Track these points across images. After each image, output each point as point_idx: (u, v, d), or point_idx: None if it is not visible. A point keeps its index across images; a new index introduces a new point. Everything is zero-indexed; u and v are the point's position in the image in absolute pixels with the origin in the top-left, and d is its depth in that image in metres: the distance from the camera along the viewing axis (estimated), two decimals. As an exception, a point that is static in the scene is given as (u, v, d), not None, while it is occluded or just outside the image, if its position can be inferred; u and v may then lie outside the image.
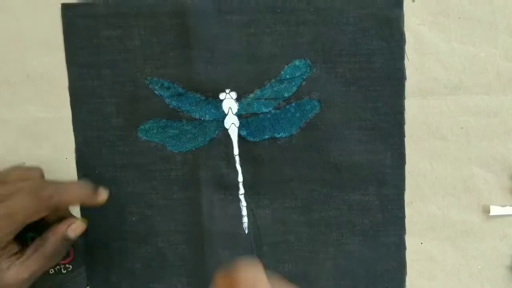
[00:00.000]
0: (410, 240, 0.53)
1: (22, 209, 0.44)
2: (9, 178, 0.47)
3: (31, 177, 0.48)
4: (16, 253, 0.46)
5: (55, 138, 0.53)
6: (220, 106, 0.52)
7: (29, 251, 0.46)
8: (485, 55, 0.51)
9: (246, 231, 0.54)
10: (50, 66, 0.52)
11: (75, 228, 0.48)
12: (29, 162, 0.53)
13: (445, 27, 0.51)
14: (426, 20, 0.51)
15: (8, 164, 0.51)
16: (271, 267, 0.53)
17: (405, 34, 0.51)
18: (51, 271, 0.54)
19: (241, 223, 0.54)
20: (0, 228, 0.44)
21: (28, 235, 0.49)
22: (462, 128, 0.52)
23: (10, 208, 0.44)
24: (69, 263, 0.54)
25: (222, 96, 0.52)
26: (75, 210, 0.52)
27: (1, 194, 0.45)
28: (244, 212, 0.53)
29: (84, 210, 0.53)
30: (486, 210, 0.53)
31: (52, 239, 0.47)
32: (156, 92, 0.52)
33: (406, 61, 0.51)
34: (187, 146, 0.52)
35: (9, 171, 0.48)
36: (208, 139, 0.52)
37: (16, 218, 0.44)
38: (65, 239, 0.48)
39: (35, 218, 0.45)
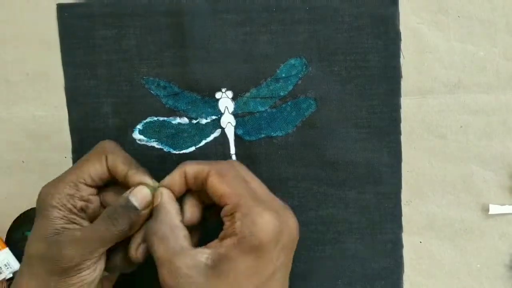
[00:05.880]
0: (409, 239, 0.53)
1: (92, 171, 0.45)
2: None
3: None
4: None
5: (54, 136, 0.53)
6: (216, 105, 0.52)
7: None
8: (484, 54, 0.51)
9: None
10: (49, 65, 0.53)
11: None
12: (28, 161, 0.54)
13: (444, 26, 0.51)
14: (425, 18, 0.51)
15: (7, 163, 0.52)
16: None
17: (400, 32, 0.51)
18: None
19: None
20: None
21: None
22: (461, 127, 0.52)
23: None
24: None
25: (218, 95, 0.52)
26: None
27: None
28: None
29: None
30: (485, 209, 0.52)
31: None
32: (152, 92, 0.52)
33: (402, 59, 0.51)
34: (184, 146, 0.53)
35: None
36: (204, 138, 0.53)
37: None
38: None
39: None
